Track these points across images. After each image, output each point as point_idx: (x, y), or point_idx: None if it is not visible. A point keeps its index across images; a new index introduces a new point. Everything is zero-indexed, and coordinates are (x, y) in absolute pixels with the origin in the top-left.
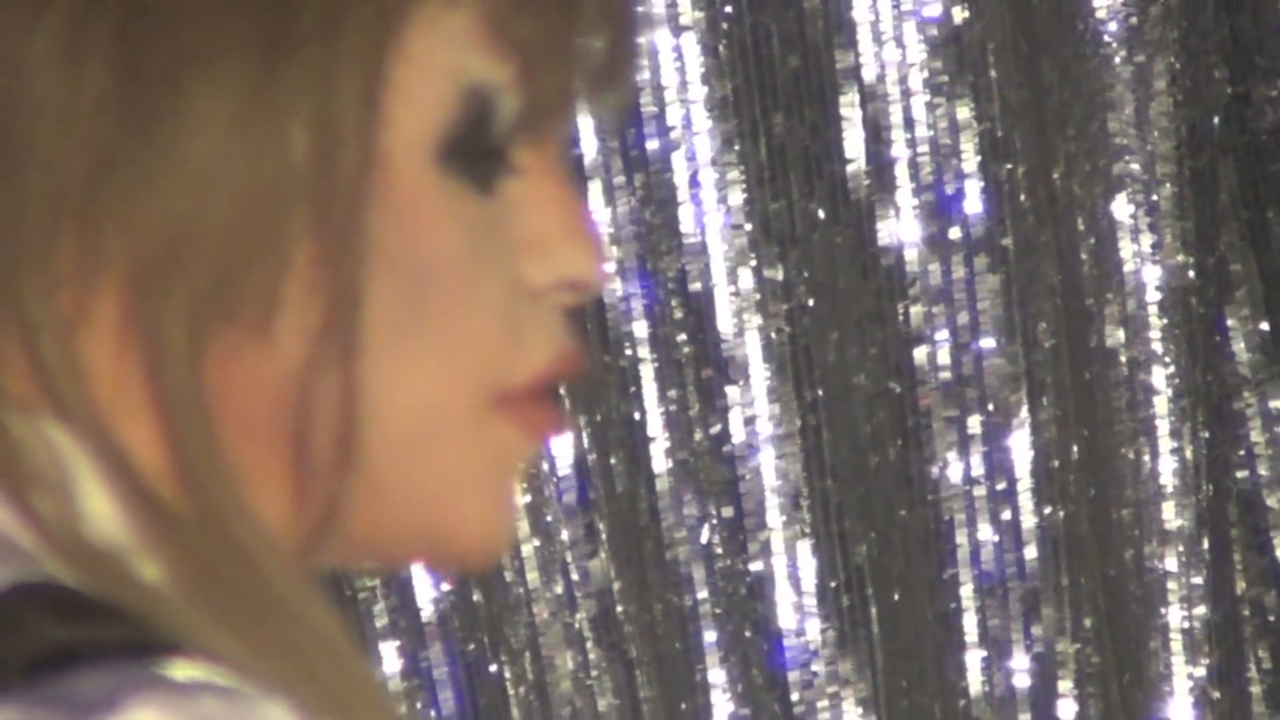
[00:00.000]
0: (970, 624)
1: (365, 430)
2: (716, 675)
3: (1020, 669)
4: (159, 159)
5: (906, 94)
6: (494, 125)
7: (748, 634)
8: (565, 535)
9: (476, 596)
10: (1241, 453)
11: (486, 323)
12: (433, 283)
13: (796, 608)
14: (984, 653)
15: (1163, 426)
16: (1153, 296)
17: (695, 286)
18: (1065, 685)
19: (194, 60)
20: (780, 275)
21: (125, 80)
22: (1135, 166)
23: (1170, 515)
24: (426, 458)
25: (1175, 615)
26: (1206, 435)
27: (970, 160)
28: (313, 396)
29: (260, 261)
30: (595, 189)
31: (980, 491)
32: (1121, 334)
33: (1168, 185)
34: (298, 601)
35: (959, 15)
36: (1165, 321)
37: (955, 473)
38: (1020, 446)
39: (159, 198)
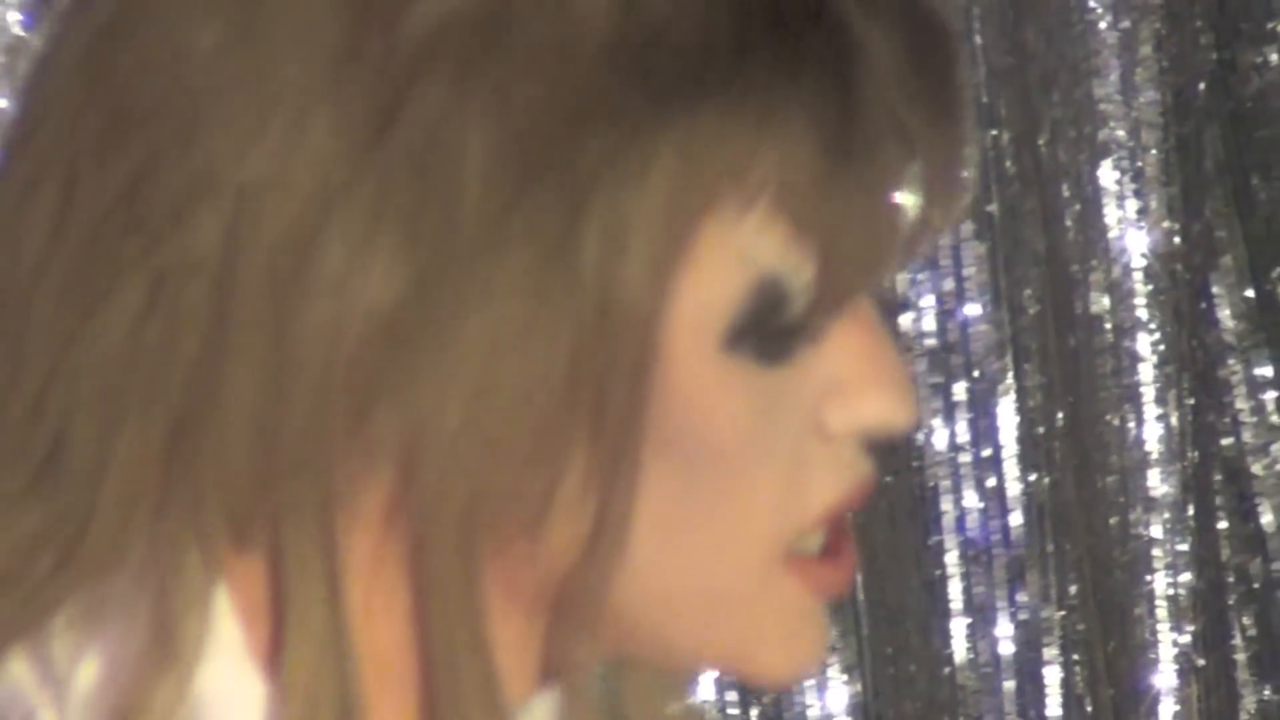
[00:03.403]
0: (955, 591)
1: (642, 608)
2: None
3: (1005, 636)
4: (432, 372)
5: None
6: (789, 309)
7: None
8: None
9: None
10: (1226, 419)
11: (772, 481)
12: (711, 465)
13: None
14: (969, 620)
15: (1148, 393)
16: (1138, 263)
17: None
18: (1050, 652)
19: (478, 271)
20: None
21: (408, 291)
22: (1120, 133)
23: (1155, 482)
24: (717, 622)
25: (1160, 582)
26: (1192, 402)
27: None
28: (575, 585)
29: (535, 471)
30: None
31: (965, 458)
32: (1106, 300)
33: (1153, 151)
34: None
35: None
36: (1150, 288)
37: (940, 439)
38: (1005, 413)
39: (433, 406)
